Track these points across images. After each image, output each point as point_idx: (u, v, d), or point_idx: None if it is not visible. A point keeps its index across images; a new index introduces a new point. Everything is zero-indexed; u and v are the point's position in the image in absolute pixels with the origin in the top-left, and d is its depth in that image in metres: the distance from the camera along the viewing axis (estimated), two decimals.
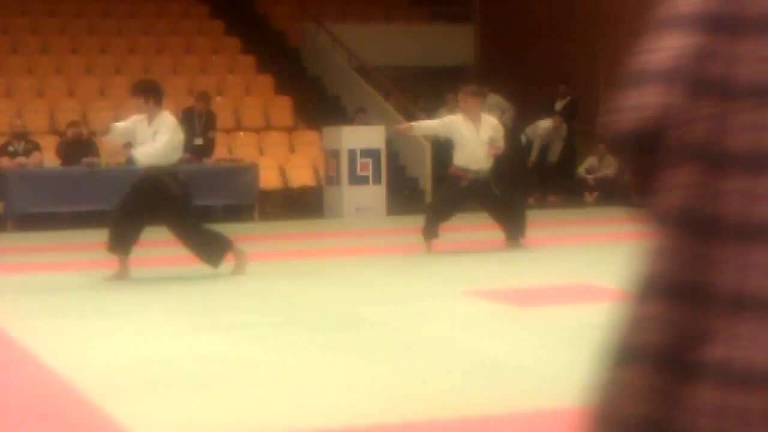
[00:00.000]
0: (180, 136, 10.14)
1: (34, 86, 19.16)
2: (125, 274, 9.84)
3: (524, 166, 19.86)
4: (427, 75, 24.04)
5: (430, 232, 11.72)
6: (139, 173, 10.19)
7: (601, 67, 20.95)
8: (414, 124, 12.57)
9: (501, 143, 11.83)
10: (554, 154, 20.31)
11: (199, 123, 16.83)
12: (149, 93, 9.94)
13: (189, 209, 10.11)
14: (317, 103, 20.83)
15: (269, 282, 9.64)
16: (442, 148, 21.19)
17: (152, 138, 9.82)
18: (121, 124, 10.27)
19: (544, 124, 20.07)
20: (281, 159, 18.49)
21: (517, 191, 12.47)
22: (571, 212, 17.14)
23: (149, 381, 5.92)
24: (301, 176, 18.27)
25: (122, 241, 9.90)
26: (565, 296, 8.69)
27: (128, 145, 10.43)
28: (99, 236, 13.71)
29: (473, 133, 11.63)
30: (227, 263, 9.98)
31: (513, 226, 11.82)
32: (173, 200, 9.87)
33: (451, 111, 18.33)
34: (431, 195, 18.75)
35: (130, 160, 15.81)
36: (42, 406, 5.47)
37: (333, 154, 17.26)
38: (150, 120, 9.88)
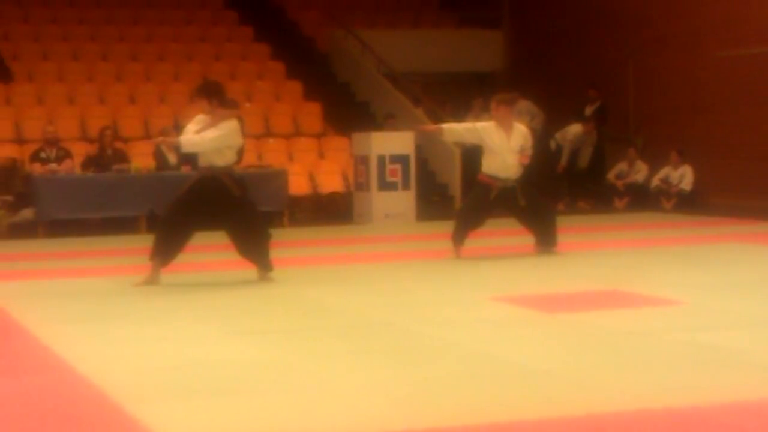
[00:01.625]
0: (239, 139, 10.05)
1: (65, 93, 19.26)
2: (156, 280, 9.85)
3: (554, 172, 19.80)
4: (457, 80, 24.03)
5: (458, 238, 11.71)
6: (194, 175, 10.17)
7: (630, 71, 20.89)
8: (444, 126, 12.44)
9: (530, 152, 11.80)
10: (584, 159, 20.25)
11: None
12: (212, 95, 9.93)
13: (251, 209, 10.06)
14: (346, 109, 20.85)
15: (298, 288, 9.64)
16: (471, 155, 21.19)
17: None
18: (191, 137, 9.94)
19: (574, 130, 20.02)
20: (310, 165, 18.51)
21: (547, 198, 12.37)
22: (600, 218, 17.07)
23: (178, 386, 5.93)
24: (330, 182, 18.28)
25: (167, 251, 9.86)
26: (595, 303, 8.65)
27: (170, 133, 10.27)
28: (129, 242, 13.85)
29: (504, 141, 11.60)
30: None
31: (543, 233, 11.79)
32: (233, 201, 9.86)
33: (477, 117, 18.35)
34: (461, 201, 18.74)
35: (165, 166, 15.99)
36: (72, 410, 5.49)
37: (362, 160, 17.26)
38: (214, 122, 9.85)
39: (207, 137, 9.76)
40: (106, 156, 16.21)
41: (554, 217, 12.05)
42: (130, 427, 5.13)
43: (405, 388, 5.78)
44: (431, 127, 12.40)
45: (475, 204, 11.84)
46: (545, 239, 11.79)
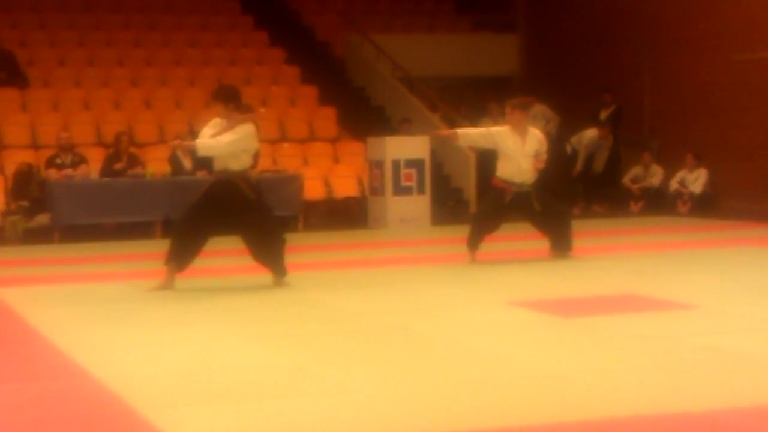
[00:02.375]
0: (255, 143, 10.04)
1: (80, 99, 19.30)
2: (170, 285, 9.85)
3: (569, 176, 19.77)
4: (472, 85, 24.03)
5: (473, 243, 11.70)
6: (210, 179, 10.17)
7: (646, 75, 20.85)
8: (459, 131, 12.41)
9: (545, 156, 11.78)
10: (599, 163, 20.22)
11: None
12: (229, 99, 9.93)
13: (266, 214, 10.05)
14: (361, 114, 20.86)
15: (313, 292, 9.64)
16: (487, 159, 21.18)
17: None
18: (207, 140, 9.92)
19: (590, 134, 20.00)
20: (325, 170, 18.51)
21: (563, 202, 12.33)
22: (616, 222, 17.04)
23: (194, 391, 5.94)
24: (345, 187, 18.28)
25: (183, 255, 9.85)
26: (611, 307, 8.63)
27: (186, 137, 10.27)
28: (144, 247, 13.87)
29: (519, 145, 11.59)
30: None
31: (559, 237, 11.77)
32: (249, 205, 9.86)
33: (494, 121, 18.31)
34: (475, 206, 18.73)
35: (180, 171, 16.01)
36: (88, 416, 5.50)
37: (377, 165, 17.26)
38: (230, 126, 9.86)
39: (223, 141, 9.76)
40: (122, 161, 16.23)
41: (569, 221, 12.02)
42: None
43: (421, 392, 5.77)
44: (447, 132, 12.37)
45: (490, 209, 11.82)
46: (560, 244, 11.77)
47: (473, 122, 20.75)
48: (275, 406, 5.55)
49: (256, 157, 10.29)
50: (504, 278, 10.53)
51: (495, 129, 12.02)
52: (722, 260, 11.75)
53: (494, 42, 23.84)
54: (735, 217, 16.83)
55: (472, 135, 12.33)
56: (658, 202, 19.01)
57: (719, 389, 5.73)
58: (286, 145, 19.05)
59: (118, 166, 16.12)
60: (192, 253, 9.91)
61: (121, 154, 16.36)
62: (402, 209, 16.98)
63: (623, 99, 20.56)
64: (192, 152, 9.87)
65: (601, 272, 10.82)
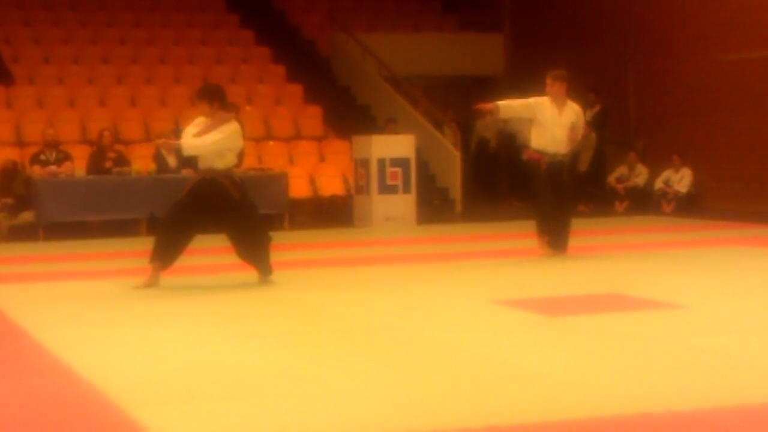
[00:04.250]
0: (240, 142, 10.10)
1: (65, 96, 19.25)
2: (155, 283, 9.84)
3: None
4: (457, 84, 24.04)
5: (542, 229, 11.73)
6: (194, 177, 10.17)
7: (631, 76, 20.89)
8: (501, 103, 12.22)
9: (581, 130, 11.90)
10: (584, 163, 20.22)
11: None
12: (213, 98, 9.94)
13: (251, 212, 10.06)
14: (347, 113, 20.86)
15: (298, 291, 9.64)
16: (475, 160, 21.17)
17: None
18: (192, 140, 9.96)
19: None
20: (311, 168, 18.51)
21: (571, 202, 12.29)
22: (601, 222, 17.07)
23: (179, 389, 5.93)
24: (331, 185, 18.28)
25: (167, 253, 9.85)
26: (596, 306, 8.65)
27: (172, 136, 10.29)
28: (129, 245, 13.84)
29: (556, 115, 11.77)
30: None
31: (559, 232, 11.77)
32: (234, 203, 9.85)
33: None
34: (461, 205, 18.75)
35: (165, 169, 15.98)
36: (72, 414, 5.49)
37: (362, 164, 17.26)
38: (215, 125, 9.86)
39: (208, 140, 9.76)
40: (105, 157, 16.19)
41: (570, 221, 12.02)
42: (130, 431, 5.12)
43: (406, 391, 5.77)
44: (488, 105, 12.17)
45: (539, 183, 11.74)
46: (559, 242, 11.75)
47: (459, 122, 20.82)
48: (260, 404, 5.55)
49: (240, 155, 10.30)
50: (490, 277, 10.54)
51: (534, 99, 12.06)
52: (707, 260, 11.78)
53: (480, 41, 23.86)
54: (719, 217, 16.87)
55: (514, 107, 12.17)
56: (643, 202, 19.06)
57: (704, 389, 5.74)
58: (271, 143, 19.04)
59: (108, 164, 16.08)
60: (177, 251, 9.90)
61: (105, 151, 16.31)
62: (387, 208, 16.98)
63: (608, 99, 20.59)
64: (177, 151, 9.86)
65: (587, 271, 10.83)
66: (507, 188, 21.50)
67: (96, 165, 16.16)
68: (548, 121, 11.74)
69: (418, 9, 24.91)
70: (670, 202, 18.67)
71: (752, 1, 18.48)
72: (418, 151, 18.09)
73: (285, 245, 12.30)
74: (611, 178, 19.81)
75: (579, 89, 20.83)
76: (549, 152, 11.72)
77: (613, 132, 20.60)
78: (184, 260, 10.12)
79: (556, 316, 8.07)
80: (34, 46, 20.55)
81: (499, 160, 21.69)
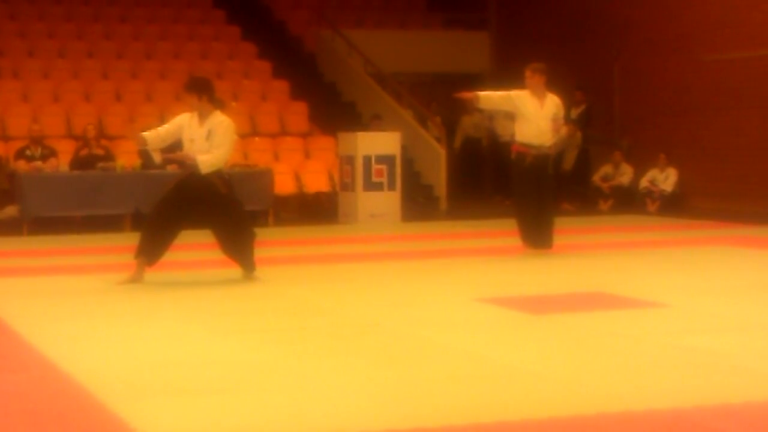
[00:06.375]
0: (234, 137, 10.12)
1: (50, 90, 19.20)
2: (140, 278, 9.82)
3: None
4: (443, 81, 24.03)
5: (524, 235, 11.74)
6: (180, 174, 10.14)
7: (616, 75, 20.92)
8: (481, 93, 12.29)
9: (563, 121, 11.95)
10: (569, 162, 20.28)
11: None
12: (202, 90, 9.90)
13: (236, 208, 10.04)
14: (332, 109, 20.85)
15: (282, 287, 9.63)
16: (457, 160, 21.18)
17: (205, 137, 9.77)
18: (159, 130, 10.05)
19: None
20: (296, 164, 18.49)
21: (553, 198, 12.33)
22: (585, 220, 17.09)
23: (162, 384, 5.92)
24: (316, 182, 18.27)
25: (153, 249, 9.82)
26: (580, 304, 8.66)
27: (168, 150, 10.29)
28: (114, 240, 13.82)
29: (538, 108, 11.82)
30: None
31: (543, 231, 11.79)
32: (219, 199, 9.83)
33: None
34: (446, 202, 18.76)
35: (150, 165, 15.93)
36: (54, 409, 5.48)
37: (348, 160, 17.25)
38: (202, 118, 9.84)
39: (220, 154, 9.80)
40: (90, 152, 16.16)
41: (553, 218, 12.06)
42: (114, 426, 5.11)
43: (390, 388, 5.78)
44: (468, 94, 12.24)
45: (523, 180, 11.77)
46: (543, 238, 11.78)
47: (444, 120, 20.83)
48: (244, 399, 5.55)
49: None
50: (474, 275, 10.55)
51: (514, 92, 12.09)
52: (692, 259, 11.82)
53: (465, 39, 23.89)
54: (704, 216, 16.92)
55: (494, 98, 12.24)
56: (628, 201, 19.09)
57: (687, 387, 5.76)
58: (256, 139, 19.02)
59: (99, 150, 16.03)
60: (162, 246, 9.88)
61: (90, 145, 16.27)
62: (372, 205, 16.98)
63: (593, 98, 20.63)
64: (193, 167, 9.78)
65: (571, 270, 10.85)
66: (492, 186, 21.55)
67: (78, 160, 16.12)
68: (531, 113, 11.80)
69: (404, 6, 24.92)
70: (655, 201, 18.72)
71: (738, 0, 18.52)
72: (404, 149, 18.10)
73: (269, 242, 12.29)
74: (596, 177, 19.84)
75: (565, 87, 20.93)
76: (535, 144, 11.78)
77: (598, 131, 20.64)
78: (169, 256, 10.11)
79: (540, 314, 8.09)
80: (19, 39, 20.49)
81: (485, 158, 21.74)
